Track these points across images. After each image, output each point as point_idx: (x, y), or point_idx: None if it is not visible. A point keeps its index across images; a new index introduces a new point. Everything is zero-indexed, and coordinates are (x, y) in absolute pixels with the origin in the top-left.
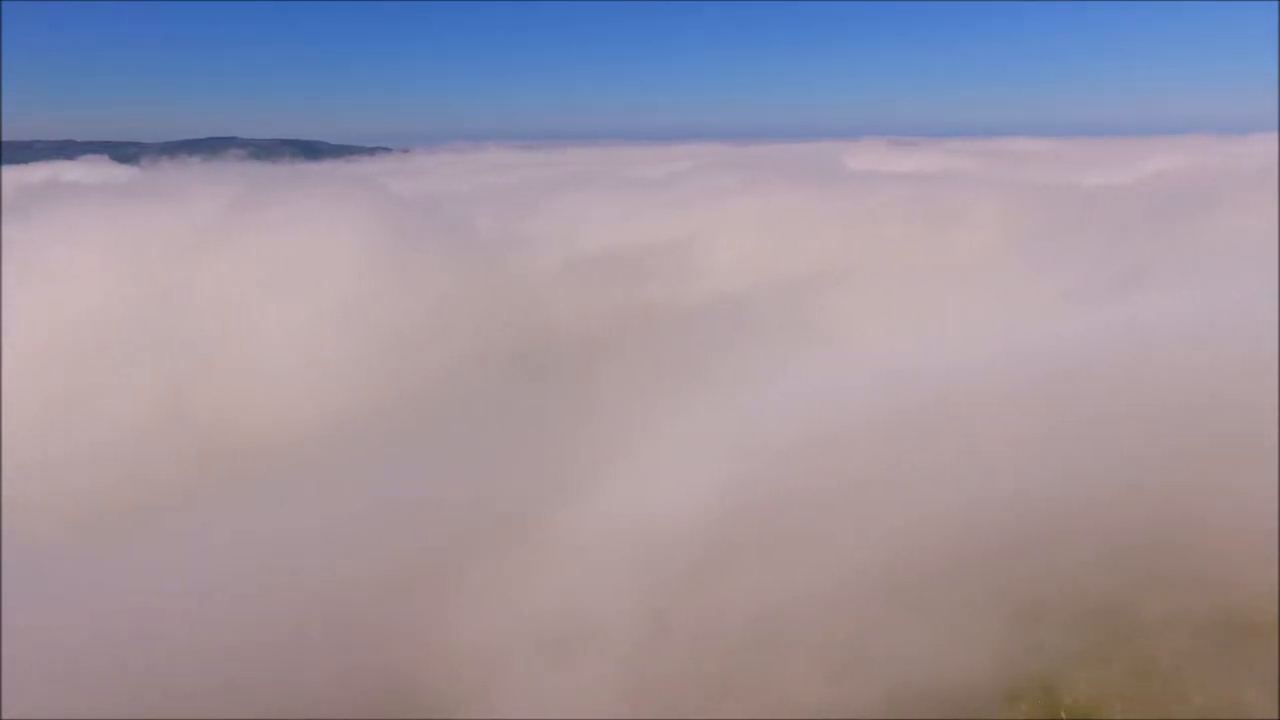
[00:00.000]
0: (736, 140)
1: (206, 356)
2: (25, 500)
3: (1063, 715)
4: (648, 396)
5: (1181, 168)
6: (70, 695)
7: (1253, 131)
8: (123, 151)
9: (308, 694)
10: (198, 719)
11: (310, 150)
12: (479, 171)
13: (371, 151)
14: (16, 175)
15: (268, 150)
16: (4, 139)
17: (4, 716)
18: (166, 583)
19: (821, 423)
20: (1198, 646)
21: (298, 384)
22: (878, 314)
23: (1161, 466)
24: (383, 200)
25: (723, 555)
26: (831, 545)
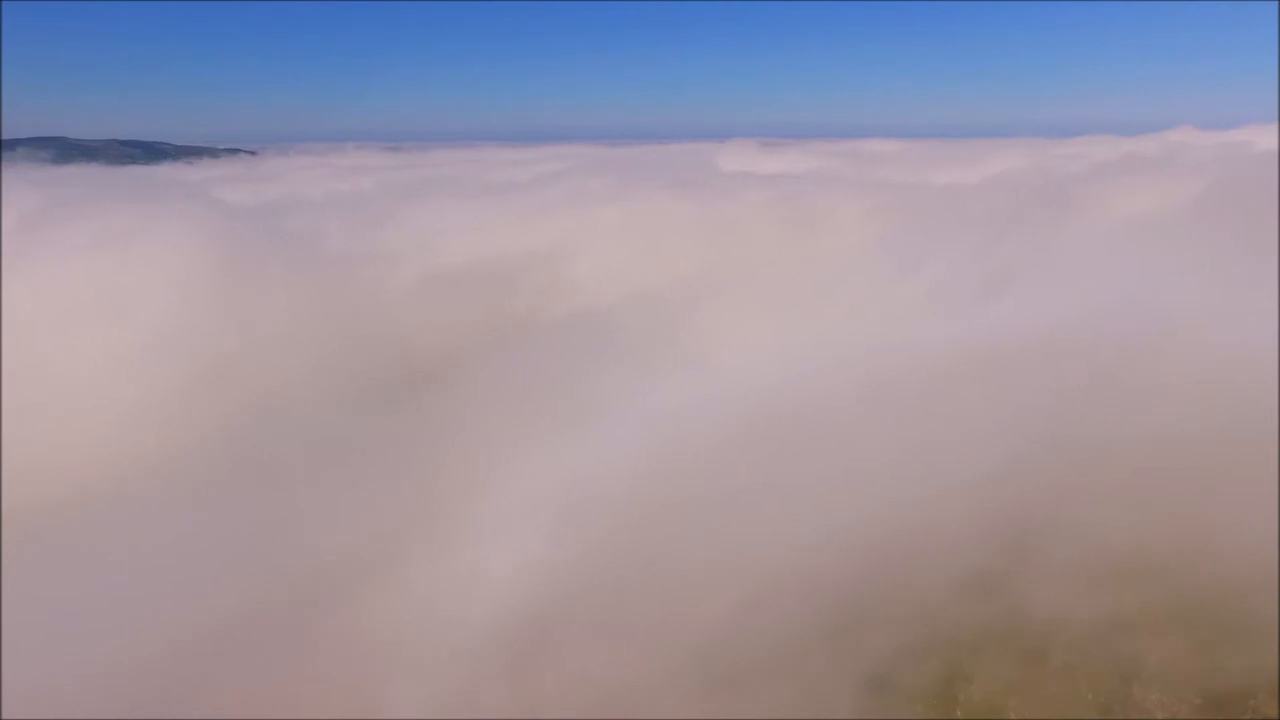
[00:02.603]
0: (609, 141)
1: None
2: None
3: (959, 714)
4: (495, 433)
5: (1021, 168)
6: None
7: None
8: None
9: None
10: None
11: (152, 152)
12: (333, 176)
13: (218, 154)
14: None
15: (98, 152)
16: None
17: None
18: None
19: (674, 458)
20: (1085, 647)
21: (99, 428)
22: (744, 327)
23: (1029, 472)
24: (209, 212)
25: (548, 636)
26: (670, 615)
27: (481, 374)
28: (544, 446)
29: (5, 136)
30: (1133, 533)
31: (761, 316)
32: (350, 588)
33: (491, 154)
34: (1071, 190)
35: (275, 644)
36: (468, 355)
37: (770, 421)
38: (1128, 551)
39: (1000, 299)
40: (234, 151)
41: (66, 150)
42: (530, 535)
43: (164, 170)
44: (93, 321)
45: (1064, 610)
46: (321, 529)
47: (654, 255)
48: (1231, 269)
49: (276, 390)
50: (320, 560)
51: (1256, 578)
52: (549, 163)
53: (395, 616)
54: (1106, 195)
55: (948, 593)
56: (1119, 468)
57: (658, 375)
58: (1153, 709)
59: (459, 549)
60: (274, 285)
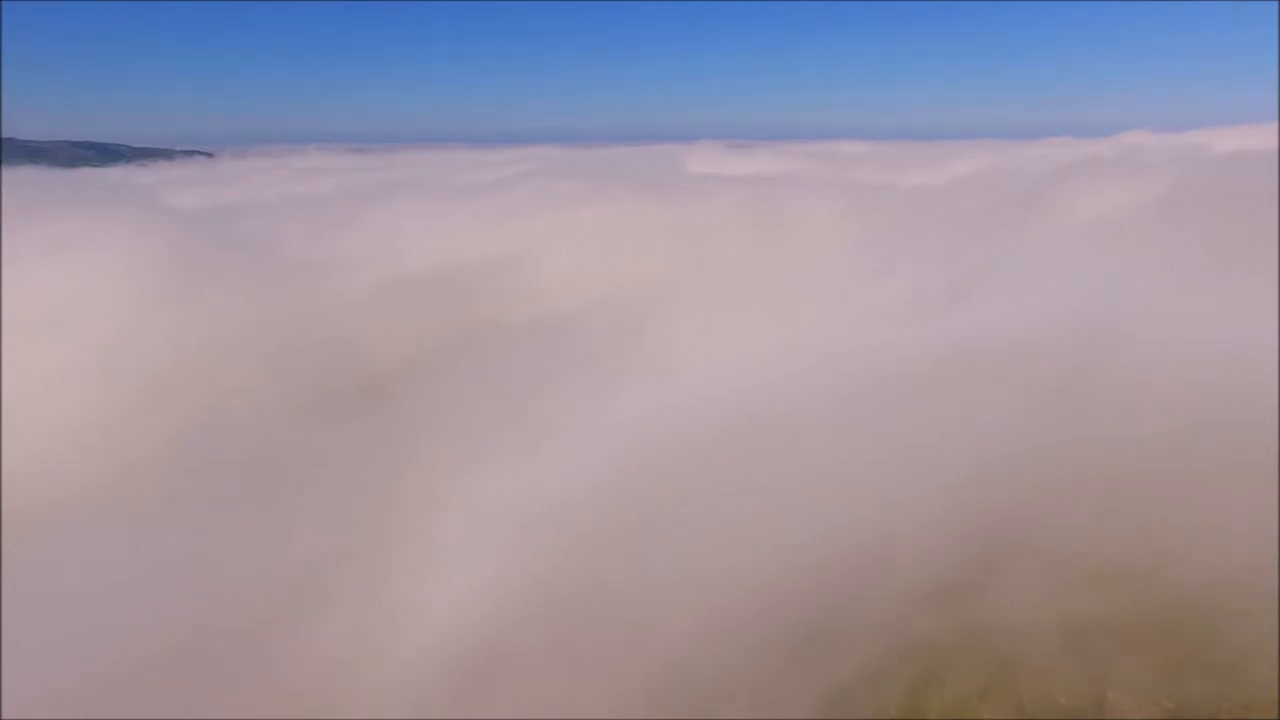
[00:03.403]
0: (575, 143)
1: None
2: None
3: (932, 716)
4: (454, 446)
5: (988, 170)
6: None
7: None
8: None
9: None
10: None
11: (106, 153)
12: (291, 178)
13: (174, 155)
14: None
15: (48, 153)
16: None
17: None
18: None
19: (638, 471)
20: (1059, 651)
21: (36, 445)
22: (713, 332)
23: (1001, 476)
24: (156, 217)
25: (502, 661)
26: (631, 636)
27: (442, 384)
28: (503, 460)
29: None
30: (1106, 537)
31: (731, 322)
32: (296, 611)
33: (457, 156)
34: (1040, 191)
35: (211, 672)
36: (428, 364)
37: (739, 430)
38: (1101, 556)
39: (972, 301)
40: (194, 153)
41: (13, 152)
42: (485, 555)
43: (115, 173)
44: (32, 335)
45: (1037, 615)
46: (267, 550)
47: (622, 259)
48: (1203, 269)
49: (223, 404)
50: (264, 583)
51: (1230, 580)
52: (514, 164)
53: (339, 642)
54: (1074, 196)
55: (919, 599)
56: (1091, 471)
57: (624, 384)
58: (1127, 712)
59: (411, 570)
60: (223, 292)
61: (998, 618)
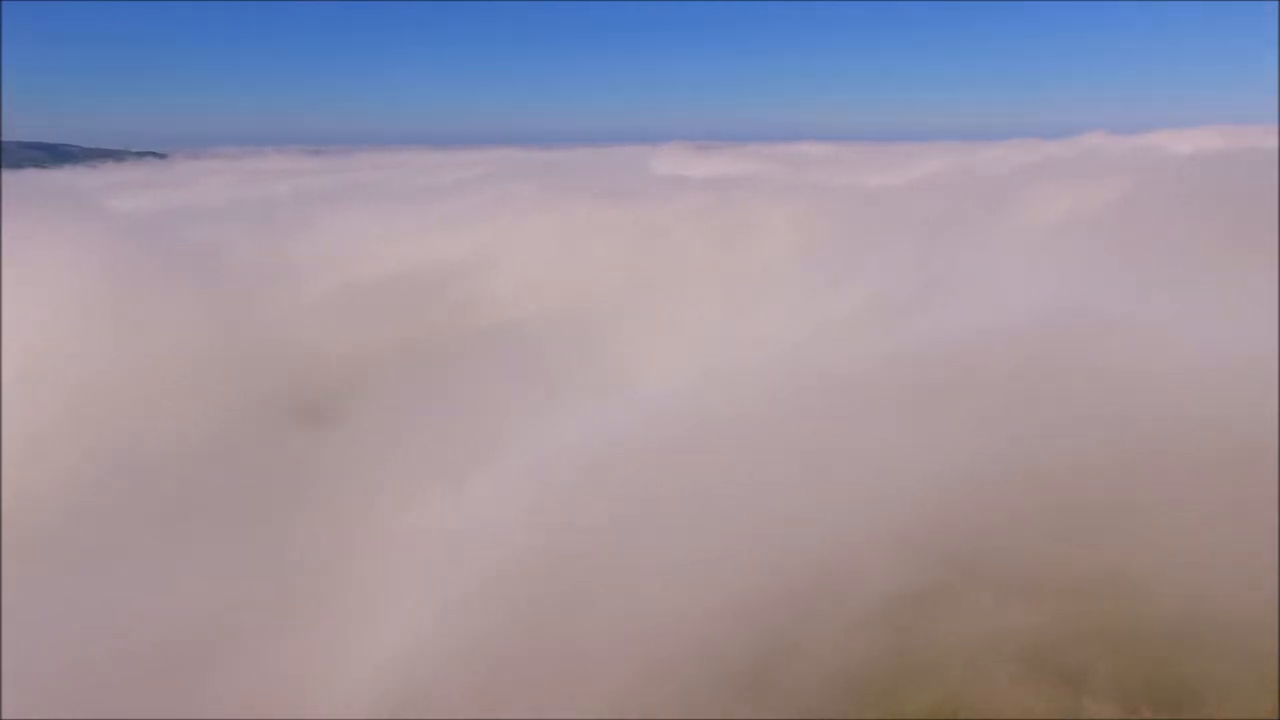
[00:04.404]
0: (543, 145)
1: None
2: None
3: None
4: (395, 469)
5: (947, 170)
6: None
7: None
8: None
9: None
10: None
11: (55, 154)
12: (243, 181)
13: (125, 157)
14: None
15: None
16: None
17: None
18: None
19: (590, 490)
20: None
21: None
22: (672, 341)
23: (974, 482)
24: (91, 224)
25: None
26: (574, 675)
27: (388, 400)
28: (450, 483)
29: None
30: (1081, 544)
31: (690, 330)
32: (214, 653)
33: (418, 157)
34: (1001, 193)
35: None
36: (377, 378)
37: (698, 445)
38: (1075, 563)
39: (936, 304)
40: (144, 155)
41: None
42: (426, 583)
43: (59, 176)
44: None
45: (1012, 621)
46: (193, 577)
47: (580, 265)
48: (1168, 271)
49: (149, 424)
50: (187, 611)
51: (1206, 583)
52: (475, 167)
53: (259, 689)
54: (1036, 198)
55: (892, 607)
56: (1061, 478)
57: (579, 398)
58: (1103, 717)
59: (345, 600)
60: (158, 305)
61: (974, 625)
